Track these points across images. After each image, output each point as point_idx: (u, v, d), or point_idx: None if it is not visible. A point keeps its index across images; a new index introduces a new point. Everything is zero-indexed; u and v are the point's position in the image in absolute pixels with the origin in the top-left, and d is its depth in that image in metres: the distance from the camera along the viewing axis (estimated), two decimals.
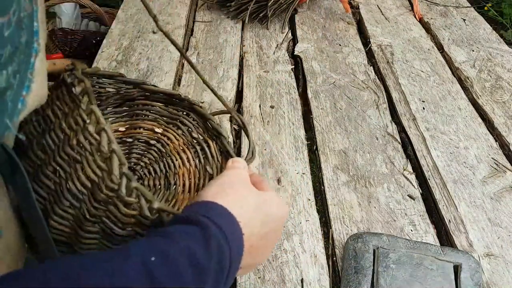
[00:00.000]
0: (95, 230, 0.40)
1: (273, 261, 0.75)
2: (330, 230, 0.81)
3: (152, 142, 0.62)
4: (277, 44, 1.33)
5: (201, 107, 0.57)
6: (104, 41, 1.27)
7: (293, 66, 1.25)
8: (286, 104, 1.10)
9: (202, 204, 0.37)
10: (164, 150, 0.62)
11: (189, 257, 0.30)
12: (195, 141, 0.60)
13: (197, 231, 0.32)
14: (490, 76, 1.23)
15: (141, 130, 0.62)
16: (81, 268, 0.27)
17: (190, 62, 0.52)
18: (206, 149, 0.58)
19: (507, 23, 1.57)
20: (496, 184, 0.92)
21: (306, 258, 0.76)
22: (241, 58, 1.27)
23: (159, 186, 0.60)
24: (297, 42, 1.34)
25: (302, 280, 0.72)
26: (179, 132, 0.61)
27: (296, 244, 0.78)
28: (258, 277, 0.72)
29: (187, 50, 1.29)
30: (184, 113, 0.60)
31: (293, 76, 1.21)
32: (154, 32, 1.29)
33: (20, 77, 0.30)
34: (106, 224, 0.39)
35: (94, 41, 1.54)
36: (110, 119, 0.61)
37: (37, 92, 0.33)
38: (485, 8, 1.64)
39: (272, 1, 1.34)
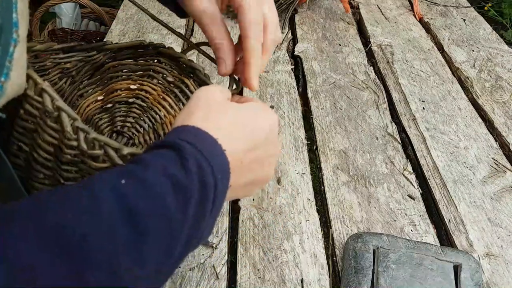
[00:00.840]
0: None
1: (273, 261, 0.75)
2: (330, 230, 0.81)
3: (131, 100, 0.62)
4: (277, 44, 1.33)
5: (168, 48, 0.56)
6: (106, 39, 1.27)
7: (293, 66, 1.25)
8: (286, 104, 1.10)
9: (172, 131, 0.34)
10: (145, 105, 0.61)
11: (166, 176, 0.28)
12: (172, 85, 0.59)
13: (171, 153, 0.30)
14: (490, 76, 1.23)
15: (118, 92, 0.61)
16: (46, 208, 0.24)
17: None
18: (185, 89, 0.58)
19: (507, 23, 1.57)
20: (496, 184, 0.92)
21: (306, 258, 0.76)
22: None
23: (150, 140, 0.60)
24: (297, 42, 1.34)
25: (302, 280, 0.72)
26: (155, 81, 0.60)
27: (296, 244, 0.78)
28: (258, 277, 0.72)
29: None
30: (155, 60, 0.59)
31: (293, 76, 1.21)
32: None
33: None
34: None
35: (94, 41, 1.54)
36: (88, 91, 0.60)
37: (16, 81, 0.33)
38: (485, 8, 1.64)
39: None
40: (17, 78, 0.33)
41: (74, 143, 0.35)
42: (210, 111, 0.35)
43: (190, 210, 0.28)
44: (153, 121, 0.62)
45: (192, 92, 0.57)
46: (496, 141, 1.03)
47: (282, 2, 1.37)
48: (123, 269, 0.24)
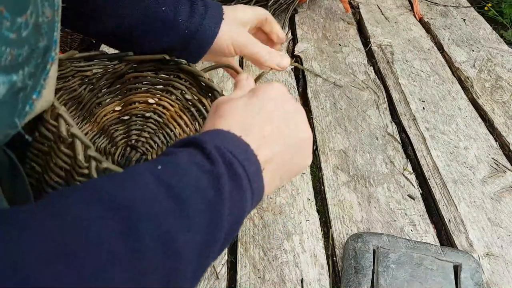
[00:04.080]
0: None
1: (273, 261, 0.75)
2: (330, 230, 0.81)
3: (148, 114, 0.61)
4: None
5: (189, 65, 0.55)
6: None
7: (293, 66, 1.25)
8: None
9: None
10: (161, 120, 0.61)
11: (194, 163, 0.30)
12: (190, 104, 0.59)
13: (193, 148, 0.32)
14: (490, 76, 1.23)
15: (136, 104, 0.61)
16: (94, 187, 0.26)
17: None
18: (202, 109, 0.58)
19: (507, 23, 1.57)
20: (496, 184, 0.92)
21: (306, 258, 0.76)
22: (241, 58, 1.27)
23: None
24: (297, 42, 1.34)
25: (302, 280, 0.72)
26: (173, 97, 0.60)
27: (296, 244, 0.78)
28: (258, 277, 0.72)
29: None
30: (175, 76, 0.59)
31: (293, 76, 1.21)
32: None
33: (34, 80, 0.30)
34: None
35: (94, 41, 1.54)
36: (106, 100, 0.60)
37: (46, 98, 0.33)
38: (485, 8, 1.64)
39: (272, 1, 1.34)
40: (48, 95, 0.33)
41: (85, 171, 0.36)
42: (216, 113, 0.36)
43: (225, 187, 0.30)
44: (167, 138, 0.62)
45: (208, 112, 0.57)
46: (496, 141, 1.03)
47: (282, 2, 1.37)
48: (172, 231, 0.26)
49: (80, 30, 0.54)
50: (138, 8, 0.48)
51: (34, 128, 0.39)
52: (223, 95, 0.54)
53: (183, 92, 0.59)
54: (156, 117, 0.62)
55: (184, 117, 0.60)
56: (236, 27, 0.50)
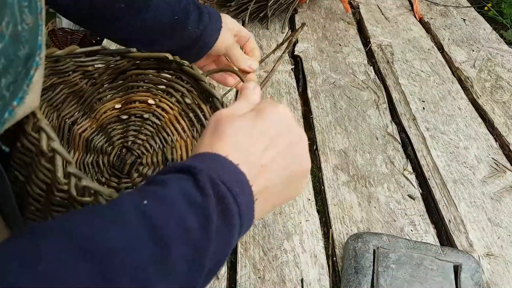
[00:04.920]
0: None
1: (273, 261, 0.75)
2: (330, 230, 0.81)
3: (147, 115, 0.61)
4: (277, 44, 1.33)
5: (191, 67, 0.55)
6: (104, 41, 1.27)
7: (293, 66, 1.25)
8: (286, 104, 1.10)
9: (186, 160, 0.34)
10: (159, 123, 0.61)
11: (184, 195, 0.28)
12: (189, 108, 0.59)
13: (185, 176, 0.30)
14: (490, 76, 1.23)
15: (136, 103, 0.61)
16: (69, 227, 0.25)
17: None
18: (201, 115, 0.57)
19: (507, 23, 1.57)
20: (496, 184, 0.92)
21: (306, 258, 0.76)
22: None
23: (158, 163, 0.60)
24: (297, 42, 1.34)
25: (302, 280, 0.72)
26: (173, 100, 0.59)
27: (296, 244, 0.78)
28: (258, 277, 0.72)
29: None
30: (177, 77, 0.58)
31: (293, 76, 1.21)
32: None
33: (14, 88, 0.29)
34: None
35: (94, 41, 1.54)
36: (107, 96, 0.60)
37: (28, 104, 0.32)
38: (485, 8, 1.64)
39: (272, 1, 1.34)
40: (32, 101, 0.32)
41: (65, 187, 0.35)
42: (216, 131, 0.34)
43: (212, 226, 0.28)
44: (164, 143, 0.61)
45: (206, 119, 0.56)
46: (496, 141, 1.03)
47: (282, 2, 1.37)
48: (151, 280, 0.25)
49: (94, 31, 0.58)
50: (152, 17, 0.56)
51: (17, 137, 0.38)
52: (223, 102, 0.53)
53: (184, 94, 0.58)
54: (154, 119, 0.61)
55: (182, 122, 0.59)
56: (226, 32, 0.59)
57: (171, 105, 0.60)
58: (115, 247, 0.25)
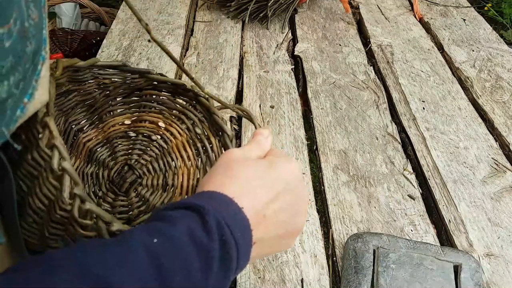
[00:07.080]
0: (60, 245, 0.39)
1: (273, 261, 0.75)
2: (330, 230, 0.81)
3: (155, 137, 0.61)
4: (277, 44, 1.33)
5: (207, 99, 0.55)
6: (104, 41, 1.27)
7: (293, 66, 1.25)
8: (286, 104, 1.10)
9: (193, 196, 0.35)
10: (166, 147, 0.60)
11: (191, 237, 0.29)
12: (198, 138, 0.58)
13: (193, 214, 0.31)
14: (490, 76, 1.23)
15: (146, 123, 0.60)
16: (81, 264, 0.26)
17: (184, 71, 0.50)
18: (208, 147, 0.57)
19: (507, 23, 1.57)
20: (496, 184, 0.92)
21: (306, 258, 0.76)
22: (241, 58, 1.27)
23: (157, 186, 0.60)
24: (297, 42, 1.34)
25: (302, 280, 0.72)
26: (183, 126, 0.59)
27: (296, 244, 0.78)
28: (258, 277, 0.72)
29: (187, 50, 1.29)
30: (191, 105, 0.58)
31: (293, 76, 1.21)
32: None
33: (24, 84, 0.29)
34: (68, 242, 0.38)
35: (94, 41, 1.54)
36: (118, 110, 0.59)
37: (39, 99, 0.32)
38: (485, 8, 1.64)
39: (272, 1, 1.34)
40: (41, 96, 0.32)
41: (68, 207, 0.35)
42: (227, 170, 0.35)
43: (213, 268, 0.30)
44: (167, 167, 0.61)
45: (214, 152, 0.56)
46: (496, 141, 1.03)
47: (282, 2, 1.37)
48: None
49: None
50: None
51: (27, 141, 0.38)
52: (232, 139, 0.53)
53: (195, 123, 0.58)
54: (161, 142, 0.61)
55: (189, 150, 0.59)
56: None
57: (180, 131, 0.60)
58: (123, 286, 0.26)
